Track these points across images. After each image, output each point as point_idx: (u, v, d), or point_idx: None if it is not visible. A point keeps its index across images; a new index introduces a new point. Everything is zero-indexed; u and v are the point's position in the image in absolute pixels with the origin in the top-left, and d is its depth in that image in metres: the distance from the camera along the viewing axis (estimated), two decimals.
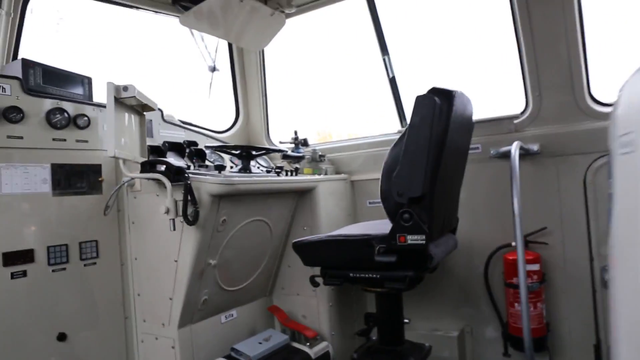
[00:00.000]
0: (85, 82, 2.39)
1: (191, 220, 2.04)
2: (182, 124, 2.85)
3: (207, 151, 2.61)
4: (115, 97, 1.96)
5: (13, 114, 2.01)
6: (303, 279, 2.23)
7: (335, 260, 2.08)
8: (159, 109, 2.73)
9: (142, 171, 2.18)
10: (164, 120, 2.75)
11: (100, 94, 2.39)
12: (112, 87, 1.95)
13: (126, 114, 2.17)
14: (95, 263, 2.28)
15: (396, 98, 2.97)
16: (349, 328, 2.85)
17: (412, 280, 1.93)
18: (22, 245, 2.03)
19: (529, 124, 2.51)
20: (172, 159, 2.56)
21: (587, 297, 2.39)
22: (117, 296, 2.37)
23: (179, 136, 2.83)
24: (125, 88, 2.00)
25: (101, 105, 2.28)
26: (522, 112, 2.55)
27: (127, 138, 2.16)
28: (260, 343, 2.36)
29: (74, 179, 2.23)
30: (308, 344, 2.46)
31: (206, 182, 2.07)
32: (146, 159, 2.25)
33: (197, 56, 3.08)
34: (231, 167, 2.66)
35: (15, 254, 2.00)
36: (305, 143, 3.18)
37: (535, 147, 2.46)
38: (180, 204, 2.04)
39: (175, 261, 2.20)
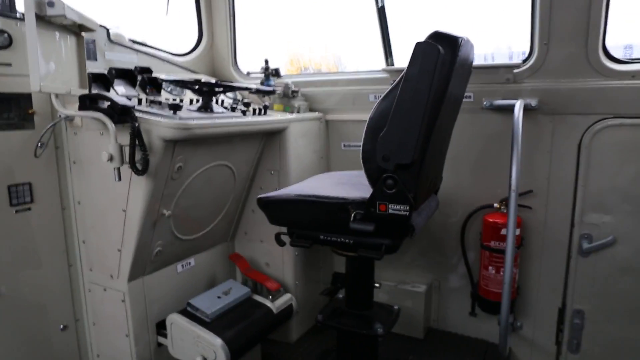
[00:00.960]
0: None
1: (140, 169, 1.75)
2: (133, 46, 2.41)
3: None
4: (37, 15, 1.54)
5: None
6: (268, 225, 2.05)
7: (305, 221, 1.86)
8: (105, 27, 2.28)
9: (80, 107, 1.82)
10: (111, 41, 2.31)
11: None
12: (32, 1, 1.52)
13: (57, 34, 1.75)
14: (29, 209, 1.98)
15: (383, 31, 2.58)
16: (314, 278, 2.74)
17: (389, 248, 1.76)
18: None
19: (529, 76, 2.25)
20: (121, 89, 2.19)
21: (561, 263, 2.32)
22: (59, 243, 2.11)
23: (130, 60, 2.41)
24: (51, 3, 1.57)
25: None
26: (525, 61, 2.27)
27: (61, 65, 1.77)
28: (219, 297, 2.20)
29: None
30: (270, 296, 2.33)
31: (159, 125, 1.75)
32: (86, 92, 1.88)
33: None
34: (190, 103, 2.30)
35: None
36: (277, 73, 2.82)
37: (533, 102, 2.22)
38: (127, 150, 1.74)
39: (124, 210, 1.94)
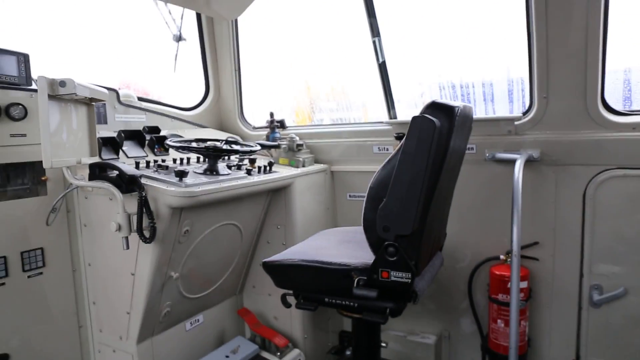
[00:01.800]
0: (21, 60, 2.01)
1: (147, 237, 1.79)
2: (141, 107, 2.50)
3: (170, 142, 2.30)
4: (50, 95, 1.62)
5: None
6: None
7: (310, 285, 1.88)
8: (114, 90, 2.37)
9: (90, 176, 1.88)
10: (120, 103, 2.40)
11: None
12: (45, 82, 1.60)
13: (69, 107, 1.83)
14: (41, 273, 2.03)
15: (385, 85, 2.64)
16: (323, 330, 2.72)
17: (393, 311, 1.76)
18: None
19: (530, 128, 2.26)
20: (129, 149, 2.27)
21: (572, 314, 2.29)
22: (70, 305, 2.15)
23: (139, 120, 2.49)
24: (63, 83, 1.65)
25: None
26: (525, 114, 2.29)
27: (72, 134, 1.84)
28: (227, 357, 2.21)
29: (10, 179, 1.92)
30: (279, 353, 2.33)
31: (165, 194, 1.80)
32: (95, 160, 1.94)
33: (160, 24, 2.66)
34: (197, 161, 2.36)
35: None
36: (282, 125, 2.88)
37: (535, 154, 2.23)
38: (135, 218, 1.78)
39: (132, 274, 1.98)
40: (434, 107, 1.54)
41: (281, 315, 2.57)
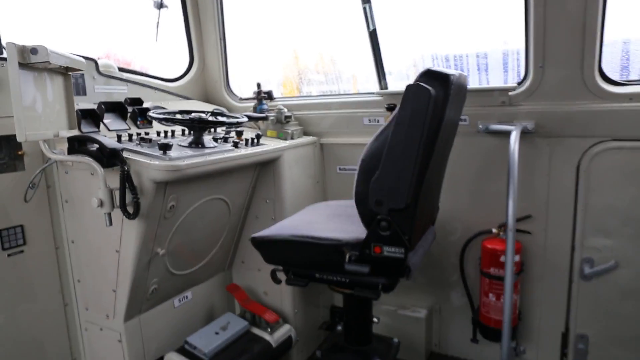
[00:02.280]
0: None
1: (131, 213, 1.72)
2: (122, 77, 2.38)
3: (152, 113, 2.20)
4: (21, 64, 1.51)
5: None
6: None
7: (300, 261, 1.84)
8: (93, 60, 2.25)
9: (69, 150, 1.80)
10: (100, 74, 2.28)
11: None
12: (14, 49, 1.49)
13: (42, 76, 1.72)
14: (22, 251, 1.96)
15: (376, 54, 2.54)
16: (314, 304, 2.70)
17: (385, 287, 1.73)
18: None
19: (525, 98, 2.21)
20: (110, 122, 2.17)
21: (563, 287, 2.29)
22: (54, 283, 2.09)
23: (121, 92, 2.38)
24: (35, 50, 1.53)
25: None
26: (520, 84, 2.23)
27: (48, 107, 1.74)
28: (216, 333, 2.17)
29: None
30: (269, 329, 2.30)
31: (149, 168, 1.72)
32: (74, 134, 1.85)
33: None
34: (182, 133, 2.27)
35: None
36: (270, 96, 2.79)
37: (529, 125, 2.18)
38: (117, 193, 1.71)
39: (117, 251, 1.92)
40: (429, 75, 1.47)
41: (271, 290, 2.54)
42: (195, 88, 2.94)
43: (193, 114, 2.03)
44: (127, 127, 2.22)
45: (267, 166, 2.38)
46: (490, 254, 2.24)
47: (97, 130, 2.08)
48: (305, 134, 2.71)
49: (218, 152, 1.99)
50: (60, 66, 1.72)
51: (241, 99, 2.95)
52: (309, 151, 2.63)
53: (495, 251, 2.22)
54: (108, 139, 1.76)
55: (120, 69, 2.48)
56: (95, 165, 1.70)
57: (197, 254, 2.27)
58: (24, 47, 1.52)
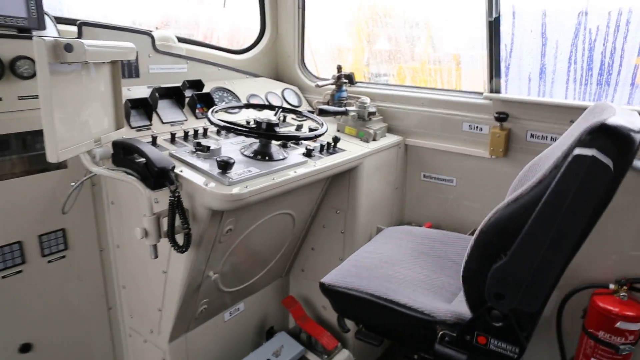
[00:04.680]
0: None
1: (181, 245, 1.44)
2: (181, 54, 2.02)
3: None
4: (50, 63, 1.18)
5: None
6: (328, 265, 1.73)
7: (378, 323, 1.51)
8: (149, 34, 1.89)
9: (114, 159, 1.50)
10: (156, 50, 1.93)
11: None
12: (44, 47, 1.15)
13: (91, 65, 1.39)
14: (63, 257, 1.75)
15: (492, 48, 1.96)
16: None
17: None
18: None
19: None
20: (165, 111, 1.86)
21: None
22: (98, 287, 1.90)
23: (179, 71, 2.03)
24: (69, 47, 1.19)
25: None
26: None
27: (89, 105, 1.42)
28: (268, 359, 1.95)
29: (19, 153, 1.57)
30: (326, 356, 2.05)
31: (204, 194, 1.41)
32: (120, 135, 1.55)
33: None
34: (247, 123, 1.90)
35: None
36: (351, 81, 2.35)
37: None
38: (165, 218, 1.42)
39: (164, 272, 1.67)
40: (605, 135, 0.99)
41: (330, 305, 2.26)
42: (265, 61, 2.52)
43: (261, 118, 1.65)
44: (184, 118, 1.90)
45: (342, 174, 2.00)
46: (601, 315, 1.80)
47: (149, 123, 1.77)
48: (389, 130, 2.27)
49: (287, 167, 1.63)
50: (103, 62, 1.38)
51: (317, 86, 2.37)
52: (392, 155, 2.21)
53: (610, 313, 1.79)
54: (157, 152, 1.44)
55: (180, 39, 2.11)
56: (140, 187, 1.40)
57: (253, 270, 2.00)
58: (56, 42, 1.18)
